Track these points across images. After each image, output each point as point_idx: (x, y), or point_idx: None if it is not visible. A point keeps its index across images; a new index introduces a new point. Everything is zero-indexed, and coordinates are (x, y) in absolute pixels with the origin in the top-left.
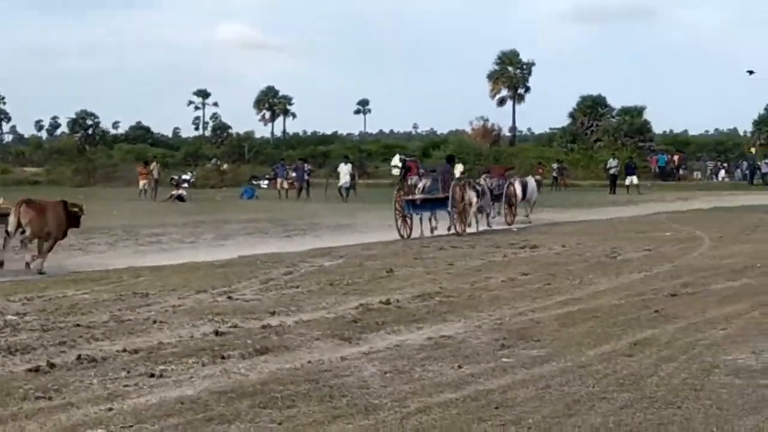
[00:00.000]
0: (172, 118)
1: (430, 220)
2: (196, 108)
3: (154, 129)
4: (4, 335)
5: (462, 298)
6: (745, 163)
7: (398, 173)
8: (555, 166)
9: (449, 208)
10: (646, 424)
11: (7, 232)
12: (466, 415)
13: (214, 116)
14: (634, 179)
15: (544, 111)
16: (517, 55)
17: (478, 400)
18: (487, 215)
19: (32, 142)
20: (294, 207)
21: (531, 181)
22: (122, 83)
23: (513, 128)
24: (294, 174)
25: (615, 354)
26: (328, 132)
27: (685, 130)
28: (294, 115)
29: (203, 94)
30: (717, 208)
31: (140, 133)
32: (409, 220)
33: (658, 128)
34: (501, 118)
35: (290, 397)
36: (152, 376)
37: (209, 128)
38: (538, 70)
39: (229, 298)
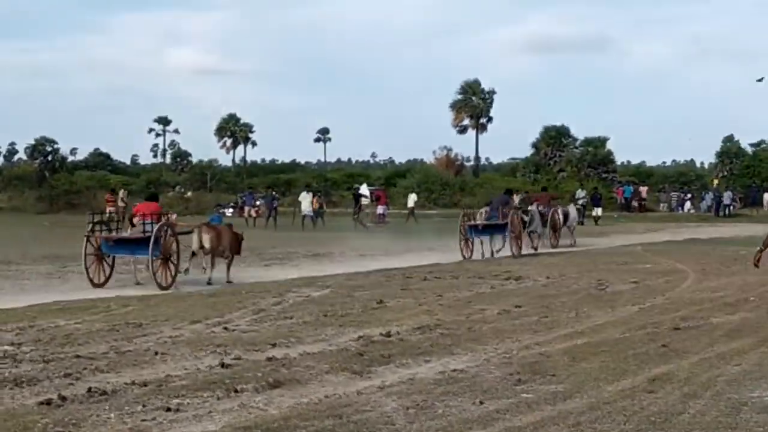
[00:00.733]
0: (129, 145)
1: (490, 243)
2: (157, 135)
3: (112, 155)
4: (5, 366)
5: (462, 330)
6: (709, 195)
7: (366, 202)
8: (516, 196)
9: (507, 233)
10: None
11: (193, 252)
12: None
13: (173, 143)
14: (599, 210)
15: (504, 141)
16: (479, 84)
17: None
18: (539, 237)
19: None
20: (264, 235)
21: (572, 209)
22: (75, 108)
23: (476, 158)
24: (261, 202)
25: (636, 390)
26: (287, 160)
27: (643, 161)
28: (254, 143)
29: (164, 121)
30: (689, 240)
31: (100, 160)
32: (471, 244)
33: (617, 159)
34: (462, 148)
35: None
36: (168, 410)
37: (168, 155)
38: (499, 100)
39: (225, 329)
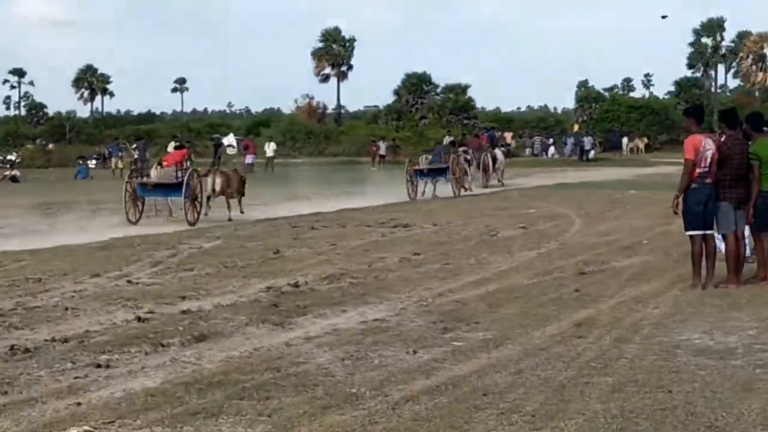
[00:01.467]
0: None
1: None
2: (12, 87)
3: None
4: None
5: (369, 279)
6: (570, 140)
7: (233, 152)
8: (381, 143)
9: (448, 176)
10: (649, 409)
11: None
12: (458, 404)
13: (26, 95)
14: None
15: (365, 89)
16: (340, 32)
17: (459, 386)
18: (471, 179)
19: None
20: None
21: (499, 153)
22: None
23: (338, 106)
24: (137, 153)
25: (565, 336)
26: (143, 111)
27: (498, 107)
28: (112, 94)
29: (19, 72)
30: (561, 184)
31: None
32: (416, 186)
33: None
34: (323, 96)
35: (262, 387)
36: (99, 366)
37: (22, 108)
38: (360, 48)
39: (129, 282)
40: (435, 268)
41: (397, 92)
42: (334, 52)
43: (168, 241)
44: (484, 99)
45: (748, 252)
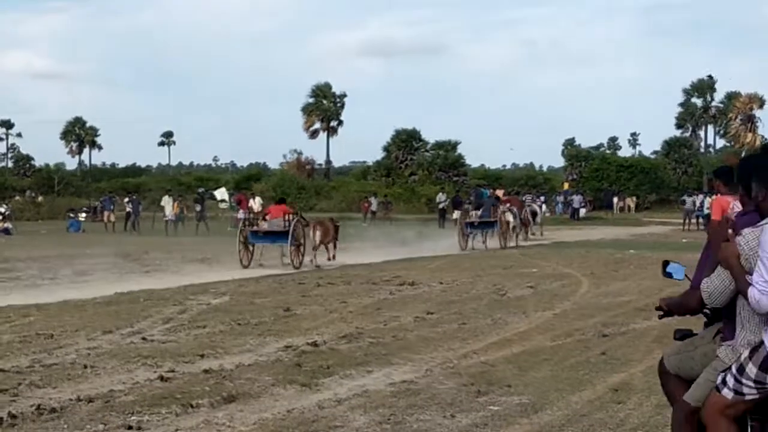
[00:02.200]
0: None
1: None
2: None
3: None
4: None
5: (387, 339)
6: (560, 198)
7: (225, 206)
8: (373, 199)
9: (497, 229)
10: None
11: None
12: None
13: (13, 147)
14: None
15: (355, 145)
16: (330, 87)
17: None
18: (517, 235)
19: None
20: (130, 241)
21: (537, 208)
22: None
23: (327, 161)
24: (130, 206)
25: (604, 401)
26: (129, 163)
27: (482, 164)
28: (100, 147)
29: (6, 124)
30: (558, 243)
31: None
32: (466, 237)
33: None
34: (311, 151)
35: None
36: (130, 428)
37: (9, 159)
38: (349, 104)
39: (144, 339)
40: (452, 328)
41: (386, 148)
42: (324, 107)
43: (173, 297)
44: (470, 156)
45: None
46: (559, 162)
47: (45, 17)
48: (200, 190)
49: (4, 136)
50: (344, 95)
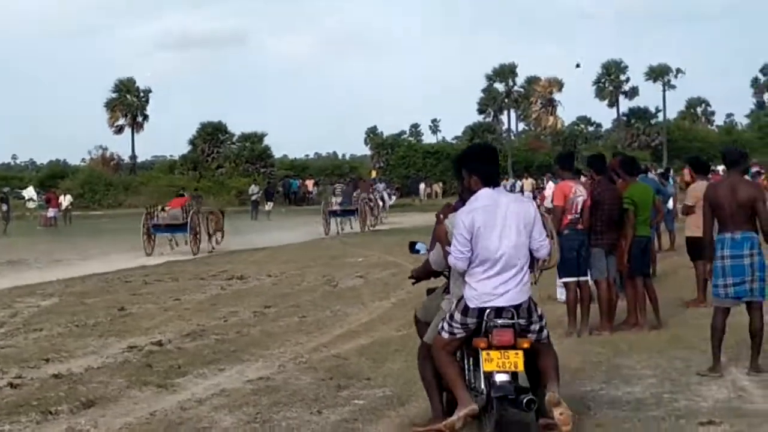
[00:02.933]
0: None
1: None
2: None
3: None
4: None
5: (232, 335)
6: (379, 185)
7: (33, 206)
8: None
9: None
10: None
11: None
12: None
13: None
14: (271, 205)
15: (161, 139)
16: (134, 82)
17: None
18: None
19: None
20: None
21: (386, 194)
22: None
23: (133, 156)
24: None
25: None
26: None
27: (285, 155)
28: None
29: None
30: (375, 231)
31: None
32: (329, 224)
33: None
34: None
35: None
36: None
37: None
38: (154, 98)
39: None
40: (294, 321)
41: (192, 142)
42: (128, 102)
43: (0, 300)
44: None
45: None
46: (362, 150)
47: None
48: (5, 189)
49: None
50: (149, 90)
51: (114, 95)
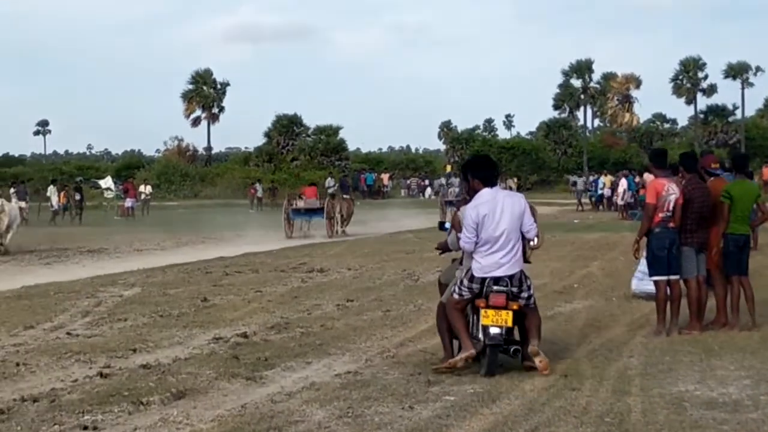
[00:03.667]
0: None
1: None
2: None
3: None
4: None
5: (317, 328)
6: (438, 181)
7: (111, 195)
8: (259, 186)
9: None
10: None
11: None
12: None
13: None
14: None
15: (232, 130)
16: (211, 74)
17: None
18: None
19: None
20: (20, 231)
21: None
22: None
23: (209, 148)
24: (16, 198)
25: (558, 388)
26: (2, 153)
27: (358, 148)
28: None
29: None
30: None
31: None
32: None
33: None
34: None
35: None
36: (86, 428)
37: None
38: (230, 90)
39: (69, 334)
40: (378, 315)
41: (267, 134)
42: (205, 94)
43: (84, 289)
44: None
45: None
46: (436, 144)
47: None
48: (78, 179)
49: None
50: (227, 83)
51: (190, 87)
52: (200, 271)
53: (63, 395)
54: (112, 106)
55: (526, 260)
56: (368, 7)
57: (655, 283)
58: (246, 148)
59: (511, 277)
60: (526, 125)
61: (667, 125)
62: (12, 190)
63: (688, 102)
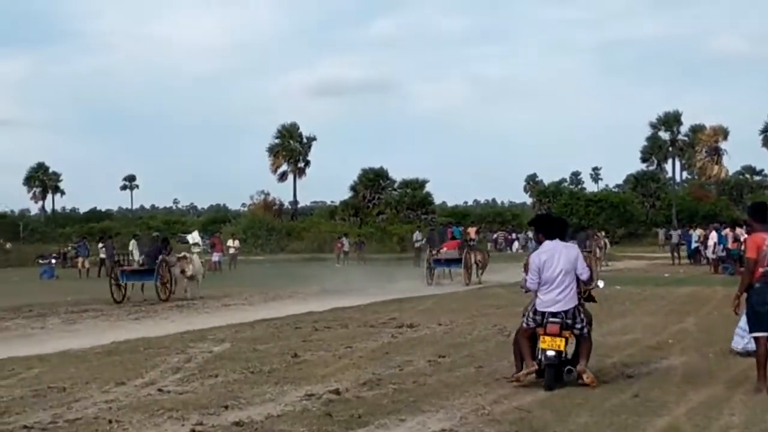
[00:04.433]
0: None
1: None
2: None
3: None
4: None
5: (409, 385)
6: (522, 236)
7: (198, 250)
8: (345, 240)
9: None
10: None
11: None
12: None
13: None
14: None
15: (316, 184)
16: (297, 128)
17: None
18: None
19: None
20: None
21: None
22: None
23: (294, 202)
24: (104, 252)
25: None
26: (90, 208)
27: (444, 202)
28: (63, 192)
29: None
30: None
31: None
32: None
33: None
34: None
35: None
36: None
37: None
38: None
39: (160, 390)
40: (470, 371)
41: (354, 188)
42: (291, 148)
43: (173, 345)
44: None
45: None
46: (521, 197)
47: None
48: (155, 234)
49: None
50: (313, 138)
51: (277, 141)
52: (289, 327)
53: None
54: (197, 160)
55: (589, 299)
56: (449, 60)
57: (756, 339)
58: (332, 201)
59: (566, 311)
60: (613, 178)
61: (757, 177)
62: (100, 245)
63: None
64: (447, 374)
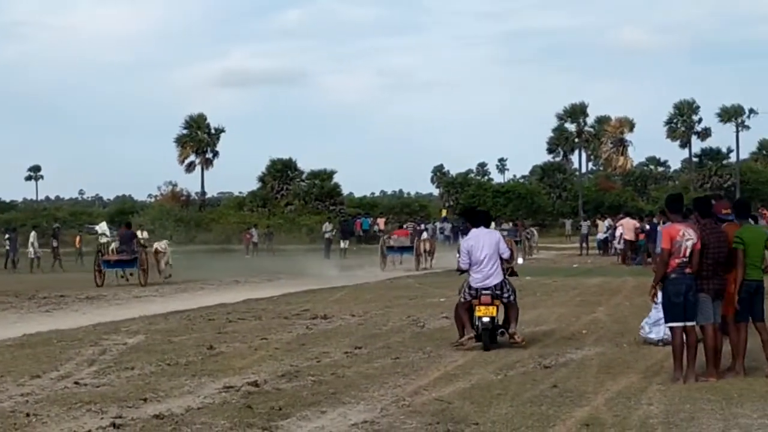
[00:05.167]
0: None
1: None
2: None
3: None
4: None
5: (328, 377)
6: (431, 226)
7: (105, 241)
8: (254, 231)
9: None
10: None
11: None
12: None
13: None
14: (346, 243)
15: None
16: (205, 119)
17: None
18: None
19: None
20: (13, 279)
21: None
22: None
23: (203, 193)
24: (8, 244)
25: None
26: None
27: (351, 192)
28: None
29: None
30: (449, 271)
31: None
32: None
33: None
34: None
35: None
36: None
37: None
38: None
39: (76, 383)
40: (388, 363)
41: (262, 178)
42: (199, 139)
43: (86, 337)
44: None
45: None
46: (428, 188)
47: None
48: (55, 225)
49: None
50: (222, 129)
51: (184, 131)
52: (202, 318)
53: None
54: (103, 151)
55: (513, 274)
56: (358, 51)
57: (672, 329)
58: (240, 192)
59: (495, 285)
60: (519, 169)
61: (660, 168)
62: (6, 236)
63: (683, 145)
64: (365, 366)
